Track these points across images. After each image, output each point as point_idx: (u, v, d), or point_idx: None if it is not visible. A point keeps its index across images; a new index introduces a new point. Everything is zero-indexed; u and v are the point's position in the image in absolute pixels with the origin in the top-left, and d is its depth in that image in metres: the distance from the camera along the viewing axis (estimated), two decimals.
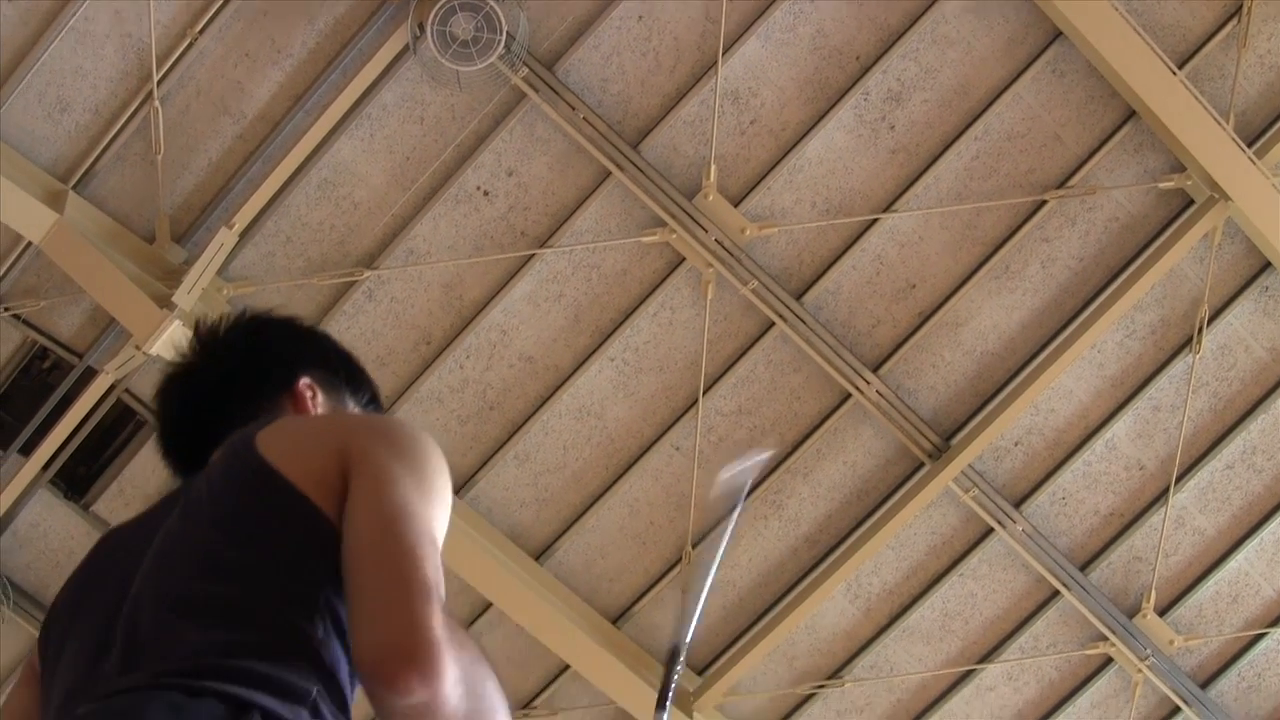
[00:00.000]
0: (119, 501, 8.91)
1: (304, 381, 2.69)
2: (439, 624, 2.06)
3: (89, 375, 8.54)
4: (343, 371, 2.80)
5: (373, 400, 2.85)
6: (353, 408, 2.77)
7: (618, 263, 8.39)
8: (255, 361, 2.71)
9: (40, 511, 9.02)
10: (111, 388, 8.52)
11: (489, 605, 8.88)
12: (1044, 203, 8.22)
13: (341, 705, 2.14)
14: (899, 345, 8.56)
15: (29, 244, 8.15)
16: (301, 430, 2.45)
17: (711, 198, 8.12)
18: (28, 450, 8.75)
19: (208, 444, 2.59)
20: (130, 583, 2.28)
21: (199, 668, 2.04)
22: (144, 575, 2.27)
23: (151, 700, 1.98)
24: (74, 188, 8.12)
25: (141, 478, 8.86)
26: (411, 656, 2.04)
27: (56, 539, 9.06)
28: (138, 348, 8.05)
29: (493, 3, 7.60)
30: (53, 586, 8.92)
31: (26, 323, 8.53)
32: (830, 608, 9.05)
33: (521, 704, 9.22)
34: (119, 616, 2.22)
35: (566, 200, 8.26)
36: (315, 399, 2.69)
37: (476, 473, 8.72)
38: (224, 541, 2.23)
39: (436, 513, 2.27)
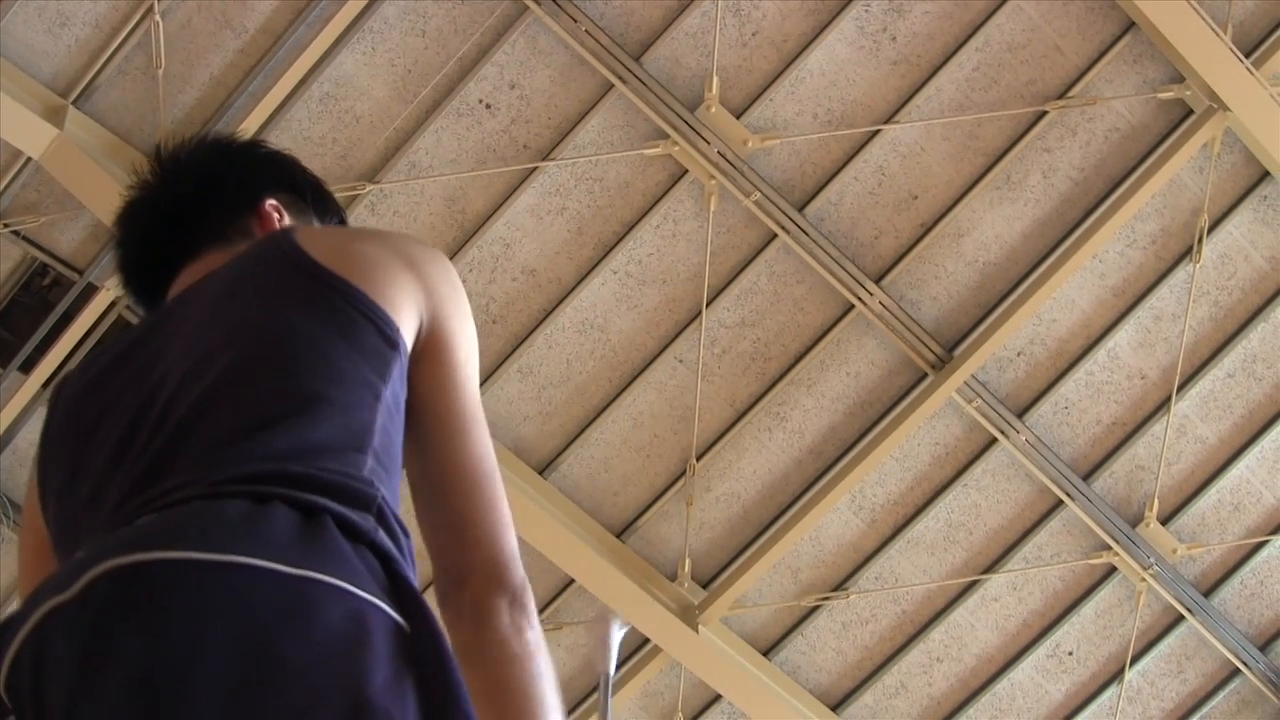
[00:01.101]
0: None
1: (269, 203, 2.70)
2: None
3: (89, 292, 8.81)
4: (309, 193, 2.81)
5: (341, 223, 2.90)
6: None
7: (620, 175, 8.74)
8: (217, 182, 2.71)
9: (40, 430, 9.19)
10: (112, 304, 8.79)
11: None
12: (1044, 113, 8.64)
13: (396, 516, 2.18)
14: (901, 256, 8.94)
15: (29, 160, 8.40)
16: (357, 238, 2.49)
17: (714, 110, 8.49)
18: (28, 368, 9.02)
19: (171, 270, 2.63)
20: (149, 393, 2.27)
21: (261, 474, 2.06)
22: (177, 383, 2.24)
23: (220, 507, 1.99)
24: (74, 103, 8.37)
25: None
26: (509, 586, 2.27)
27: None
28: None
29: None
30: None
31: (26, 239, 8.77)
32: (834, 520, 9.42)
33: None
34: (149, 425, 2.21)
35: (569, 113, 8.60)
36: (282, 221, 2.70)
37: (480, 386, 8.97)
38: (274, 345, 2.25)
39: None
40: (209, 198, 2.69)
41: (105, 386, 2.40)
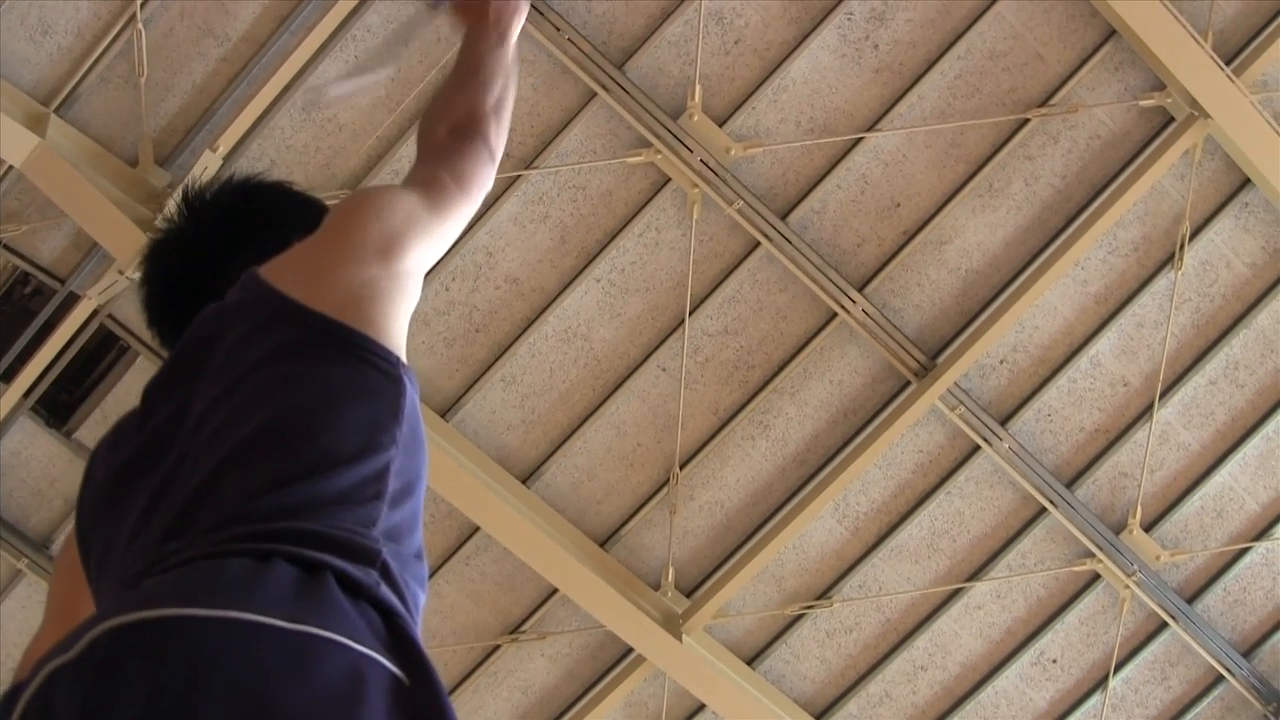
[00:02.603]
0: (102, 429, 8.79)
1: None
2: None
3: (71, 300, 8.78)
4: None
5: None
6: None
7: (603, 183, 8.77)
8: (246, 226, 2.76)
9: (21, 439, 9.26)
10: (94, 313, 8.78)
11: (476, 529, 9.26)
12: (1026, 121, 8.70)
13: (408, 562, 2.24)
14: (884, 264, 8.99)
15: (10, 167, 8.36)
16: (323, 257, 2.50)
17: (696, 118, 8.54)
18: (9, 377, 8.97)
19: (197, 311, 2.61)
20: (170, 454, 2.34)
21: (265, 531, 2.10)
22: (195, 456, 2.29)
23: (222, 565, 2.03)
24: (56, 110, 8.37)
25: (125, 404, 8.55)
26: None
27: (38, 467, 9.33)
28: (121, 272, 8.36)
29: None
30: (34, 515, 9.25)
31: (8, 247, 8.75)
32: (818, 528, 9.45)
33: (510, 628, 9.58)
34: (169, 487, 2.29)
35: (551, 121, 8.63)
36: None
37: (463, 395, 9.03)
38: (287, 409, 2.28)
39: None
40: (237, 242, 2.73)
41: (133, 457, 2.45)
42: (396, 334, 2.43)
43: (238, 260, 2.65)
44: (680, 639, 9.32)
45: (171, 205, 2.83)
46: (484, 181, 2.78)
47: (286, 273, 2.46)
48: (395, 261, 2.50)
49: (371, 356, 2.35)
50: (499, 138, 2.86)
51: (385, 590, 2.13)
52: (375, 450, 2.27)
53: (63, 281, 8.89)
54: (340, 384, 2.31)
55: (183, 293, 2.74)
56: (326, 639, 1.95)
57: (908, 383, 9.17)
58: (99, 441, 2.64)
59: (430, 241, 2.60)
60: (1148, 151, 8.74)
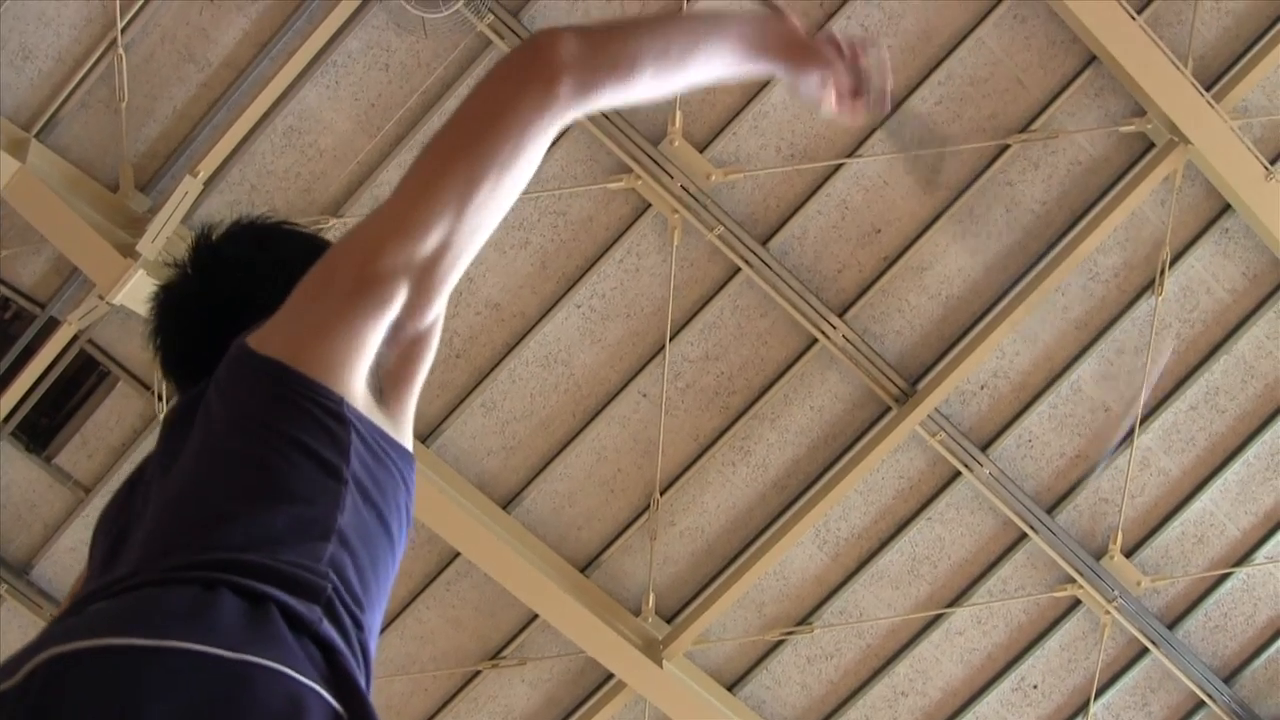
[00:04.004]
0: (81, 454, 9.18)
1: None
2: None
3: (51, 325, 8.78)
4: None
5: None
6: None
7: (584, 209, 8.78)
8: (257, 276, 2.71)
9: (1, 464, 9.24)
10: (75, 338, 8.77)
11: (457, 555, 9.26)
12: (1007, 147, 8.73)
13: (357, 602, 2.22)
14: (864, 290, 8.99)
15: None
16: (285, 311, 2.44)
17: (677, 143, 8.55)
18: None
19: (210, 357, 2.58)
20: (151, 493, 2.36)
21: (212, 561, 2.09)
22: (160, 481, 2.34)
23: (167, 594, 2.03)
24: (37, 135, 8.40)
25: (105, 429, 9.12)
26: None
27: (18, 491, 9.31)
28: (101, 297, 8.32)
29: None
30: (14, 540, 9.25)
31: None
32: (799, 553, 9.45)
33: (490, 654, 9.57)
34: (136, 523, 2.32)
35: None
36: None
37: (443, 421, 9.03)
38: (236, 453, 2.27)
39: None
40: (249, 291, 2.69)
41: (126, 500, 2.47)
42: (343, 377, 2.37)
43: (249, 311, 2.61)
44: (661, 665, 9.31)
45: (182, 253, 2.80)
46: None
47: (267, 331, 2.43)
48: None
49: (314, 397, 2.31)
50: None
51: (327, 626, 2.12)
52: (323, 492, 2.26)
53: (43, 306, 8.90)
54: (289, 422, 2.28)
55: (196, 343, 2.71)
56: (267, 667, 1.93)
57: (888, 408, 9.17)
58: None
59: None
60: (1128, 177, 8.75)
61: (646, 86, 2.54)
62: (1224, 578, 9.74)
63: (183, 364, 2.76)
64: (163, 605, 2.00)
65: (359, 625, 2.20)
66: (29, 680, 1.89)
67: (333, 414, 2.31)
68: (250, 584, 2.07)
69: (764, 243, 8.86)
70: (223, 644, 1.93)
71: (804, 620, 9.68)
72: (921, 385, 9.08)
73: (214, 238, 2.80)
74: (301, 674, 1.97)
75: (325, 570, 2.17)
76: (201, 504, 2.21)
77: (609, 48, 2.48)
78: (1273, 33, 8.60)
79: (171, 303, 2.79)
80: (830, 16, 8.49)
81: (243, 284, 2.72)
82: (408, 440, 2.51)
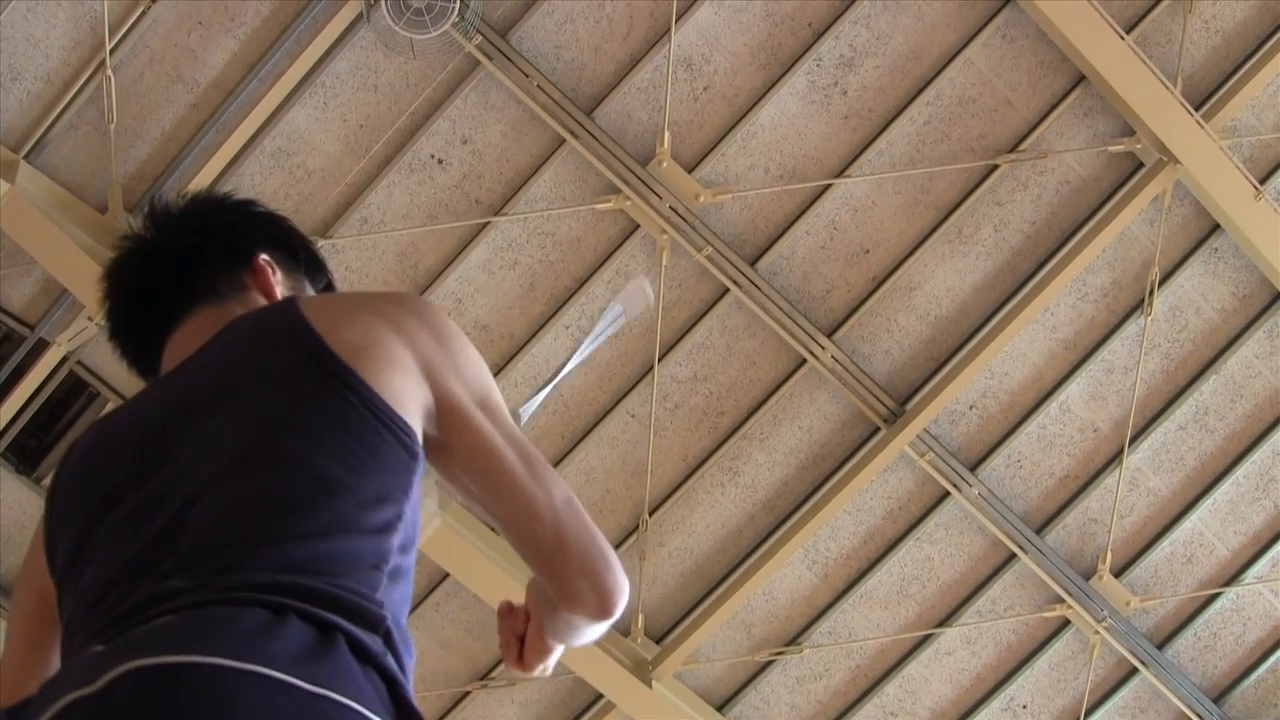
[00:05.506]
0: None
1: (263, 257, 2.68)
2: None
3: (41, 347, 8.75)
4: (301, 253, 2.80)
5: (329, 285, 2.86)
6: (309, 291, 2.77)
7: (572, 230, 8.74)
8: (211, 234, 2.68)
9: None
10: (64, 359, 8.76)
11: (445, 575, 9.21)
12: (996, 167, 8.68)
13: (402, 634, 2.19)
14: (853, 310, 8.96)
15: None
16: (364, 320, 2.40)
17: (665, 164, 8.49)
18: None
19: (164, 326, 2.60)
20: (159, 472, 2.27)
21: (276, 584, 2.06)
22: (197, 486, 2.22)
23: (240, 615, 1.99)
24: (25, 157, 8.35)
25: None
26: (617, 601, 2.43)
27: (8, 513, 9.23)
28: (90, 319, 8.36)
29: None
30: (4, 560, 9.22)
31: None
32: (788, 574, 9.41)
33: (479, 675, 9.53)
34: (165, 523, 2.19)
35: (521, 167, 8.60)
36: (275, 276, 2.68)
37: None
38: (299, 461, 2.22)
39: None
40: (202, 249, 2.66)
41: (115, 466, 2.37)
42: (411, 408, 2.35)
43: (203, 270, 2.63)
44: (650, 685, 9.26)
45: (136, 222, 2.77)
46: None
47: (317, 312, 2.39)
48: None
49: (395, 428, 2.29)
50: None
51: (390, 660, 2.10)
52: (385, 520, 2.23)
53: (32, 328, 8.84)
54: (363, 448, 2.25)
55: (148, 305, 2.66)
56: (343, 704, 1.93)
57: (877, 429, 9.13)
58: (76, 438, 2.58)
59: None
60: (1117, 197, 8.73)
61: None
62: (1213, 598, 9.69)
63: (136, 330, 2.70)
64: (239, 627, 1.97)
65: (410, 650, 2.19)
66: (109, 690, 1.87)
67: (409, 450, 2.30)
68: (317, 611, 2.04)
69: (752, 263, 8.82)
70: (301, 675, 1.92)
71: (793, 641, 9.63)
72: (910, 405, 9.04)
73: (168, 202, 2.75)
74: (373, 711, 1.96)
75: (382, 600, 2.16)
76: (263, 518, 2.16)
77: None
78: (1262, 52, 8.57)
79: (125, 263, 2.72)
80: (819, 37, 8.45)
81: (197, 240, 2.68)
82: None
